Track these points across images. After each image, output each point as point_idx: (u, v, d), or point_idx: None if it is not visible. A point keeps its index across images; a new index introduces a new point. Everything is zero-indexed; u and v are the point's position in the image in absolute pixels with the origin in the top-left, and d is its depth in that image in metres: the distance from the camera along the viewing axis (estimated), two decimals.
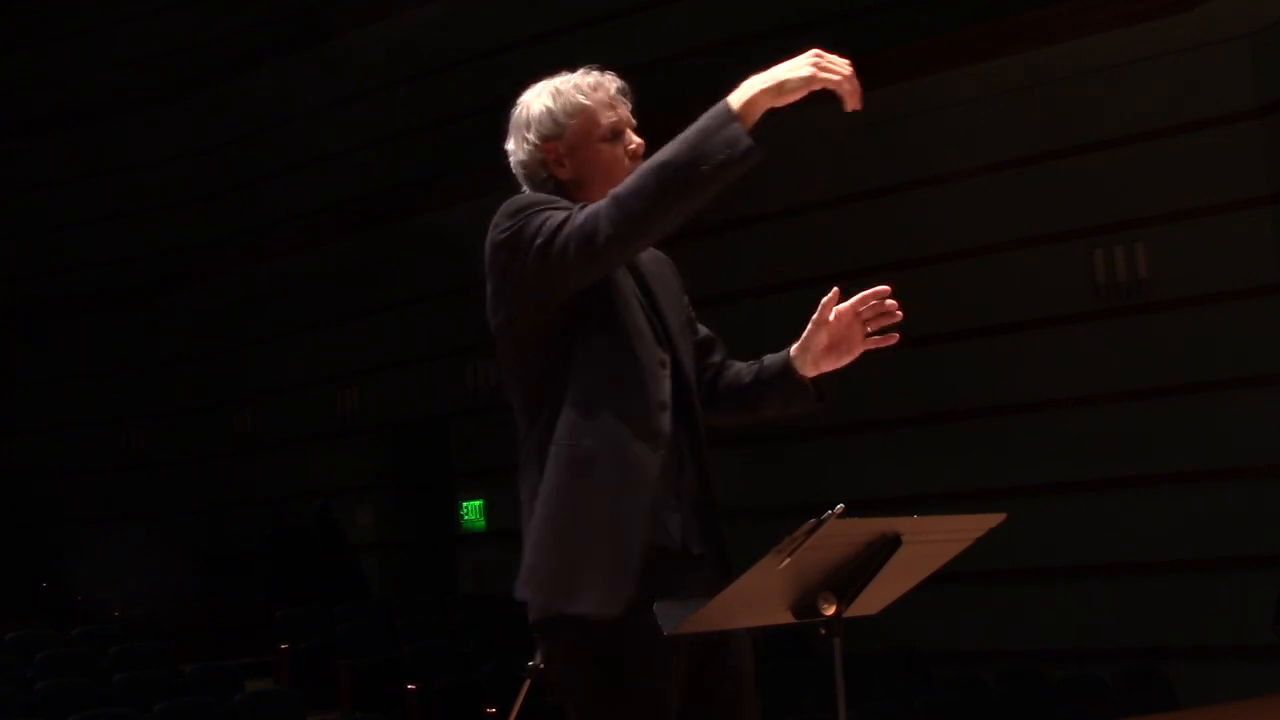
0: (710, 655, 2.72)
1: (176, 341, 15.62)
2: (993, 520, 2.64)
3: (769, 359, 2.94)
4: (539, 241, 2.62)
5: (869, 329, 2.82)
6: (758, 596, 2.52)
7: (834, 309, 2.81)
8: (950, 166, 9.76)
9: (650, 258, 2.92)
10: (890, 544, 2.53)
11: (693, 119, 2.67)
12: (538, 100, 2.83)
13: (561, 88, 2.82)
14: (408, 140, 13.20)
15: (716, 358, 3.00)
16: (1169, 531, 8.80)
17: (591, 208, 2.61)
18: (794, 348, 2.88)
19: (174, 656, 9.45)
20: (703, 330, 3.00)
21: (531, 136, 2.81)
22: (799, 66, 2.56)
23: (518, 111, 2.86)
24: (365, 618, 10.61)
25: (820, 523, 2.40)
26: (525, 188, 2.85)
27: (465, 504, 13.11)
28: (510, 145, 2.86)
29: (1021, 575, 9.23)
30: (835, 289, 2.79)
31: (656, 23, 11.45)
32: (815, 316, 2.82)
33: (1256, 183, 8.67)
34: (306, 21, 13.97)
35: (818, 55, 2.57)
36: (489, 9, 12.67)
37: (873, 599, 2.62)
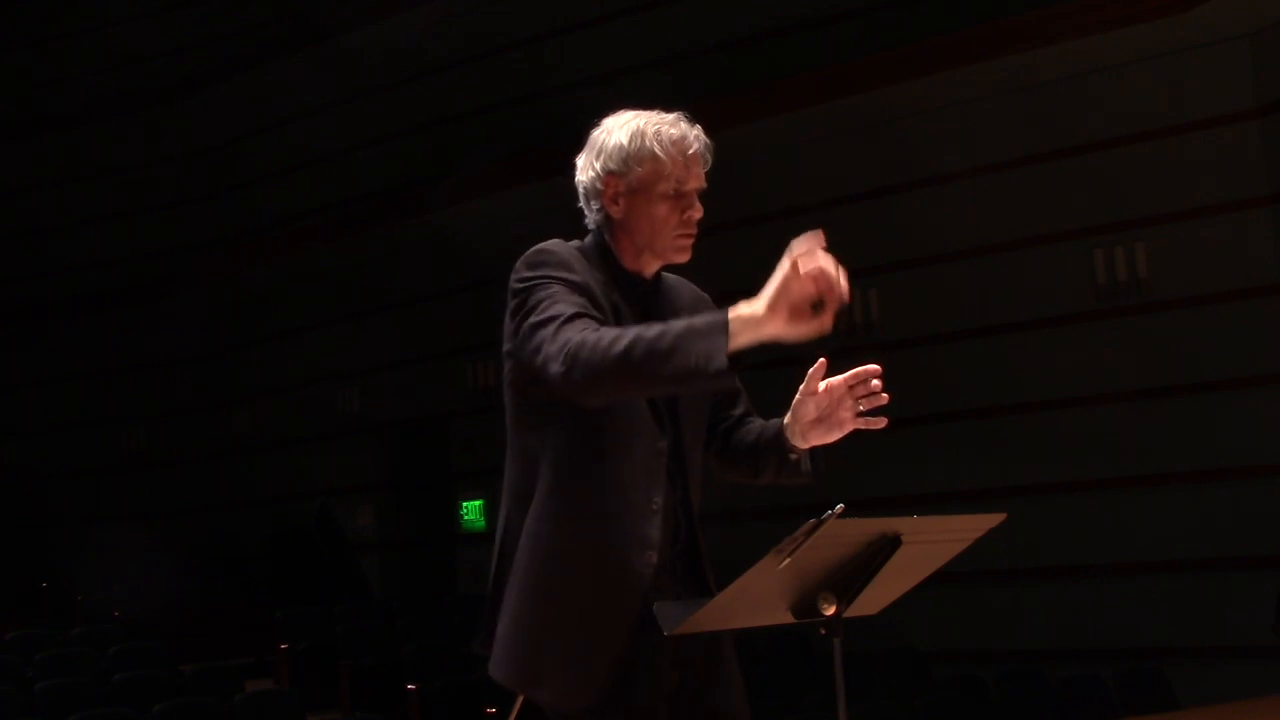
0: (698, 696, 2.74)
1: (176, 341, 15.61)
2: (993, 520, 2.64)
3: (770, 423, 2.89)
4: (530, 321, 2.62)
5: (861, 407, 2.74)
6: (758, 596, 2.52)
7: (823, 381, 2.74)
8: (950, 167, 9.76)
9: (690, 301, 2.90)
10: (890, 544, 2.53)
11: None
12: (618, 132, 2.80)
13: (645, 130, 2.78)
14: (408, 140, 13.20)
15: (736, 410, 2.96)
16: (1169, 531, 8.80)
17: (570, 336, 2.54)
18: (786, 416, 2.82)
19: (174, 656, 9.45)
20: None
21: (598, 165, 2.80)
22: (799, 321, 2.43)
23: (597, 132, 2.83)
24: (365, 618, 10.60)
25: (820, 523, 2.41)
26: (581, 204, 2.85)
27: (465, 504, 13.11)
28: (580, 161, 2.84)
29: (1021, 575, 9.23)
30: (822, 360, 2.72)
31: (657, 23, 11.45)
32: (803, 387, 2.75)
33: (1256, 183, 8.67)
34: (306, 21, 13.98)
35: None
36: (489, 9, 12.67)
37: (873, 599, 2.62)
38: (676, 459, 2.77)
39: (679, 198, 2.78)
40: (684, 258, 2.82)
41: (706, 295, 2.98)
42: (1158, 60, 8.94)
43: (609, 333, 2.53)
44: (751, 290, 2.50)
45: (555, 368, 2.53)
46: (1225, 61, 8.78)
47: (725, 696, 2.79)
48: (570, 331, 2.55)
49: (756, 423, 2.94)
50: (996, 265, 9.60)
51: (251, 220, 14.67)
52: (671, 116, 2.83)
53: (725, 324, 2.44)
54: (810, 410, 2.76)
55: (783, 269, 2.44)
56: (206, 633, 11.15)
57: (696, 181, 2.80)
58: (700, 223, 2.82)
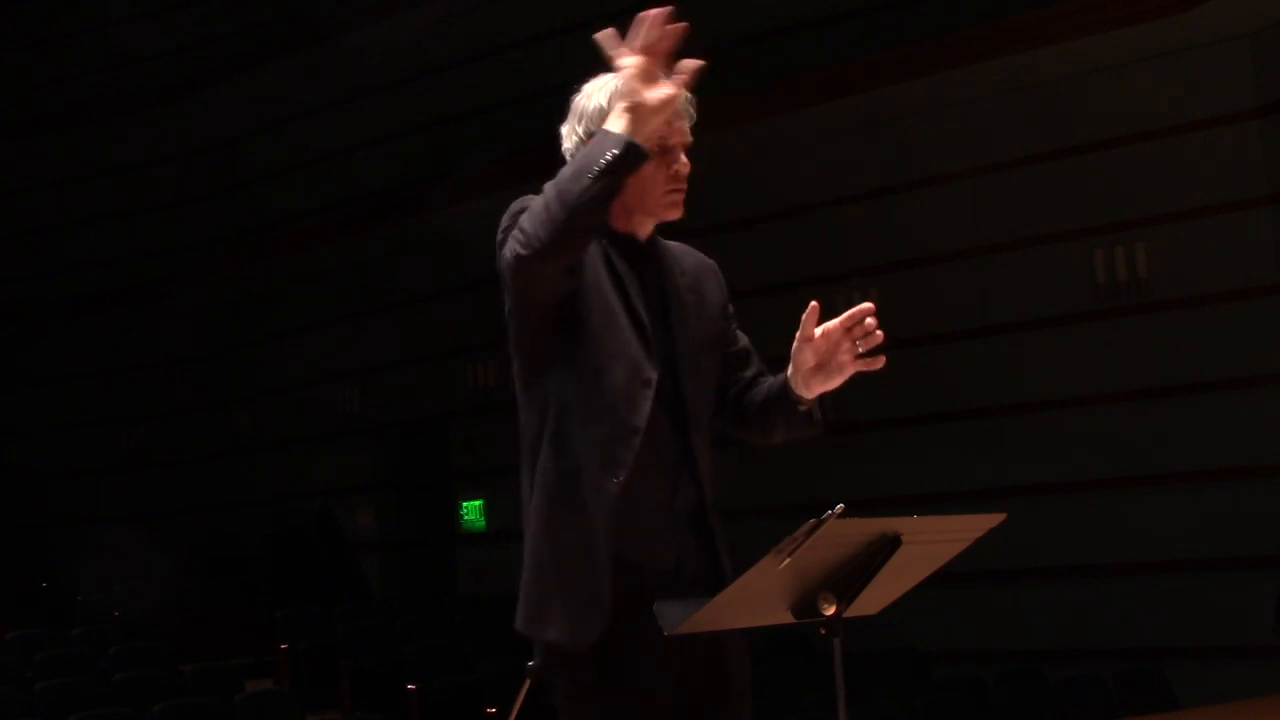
0: (704, 682, 2.71)
1: (176, 341, 15.61)
2: (993, 520, 2.64)
3: (775, 379, 2.86)
4: (504, 249, 2.62)
5: (860, 348, 2.70)
6: (758, 596, 2.52)
7: (818, 326, 2.71)
8: (950, 167, 9.76)
9: (694, 265, 2.88)
10: (890, 544, 2.53)
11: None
12: (597, 95, 2.76)
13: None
14: (408, 140, 13.20)
15: (747, 373, 2.92)
16: (1170, 532, 8.79)
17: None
18: (788, 368, 2.78)
19: (174, 656, 9.45)
20: (741, 342, 2.95)
21: (580, 129, 2.77)
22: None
23: (578, 98, 2.81)
24: (365, 618, 10.61)
25: (820, 523, 2.40)
26: None
27: (465, 504, 13.11)
28: (564, 129, 2.82)
29: (1021, 575, 9.22)
30: (814, 304, 2.70)
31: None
32: (799, 334, 2.72)
33: (1256, 183, 8.67)
34: (306, 21, 13.98)
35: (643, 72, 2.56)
36: (489, 9, 12.67)
37: (873, 599, 2.62)
38: (675, 402, 2.73)
39: (664, 153, 2.73)
40: (677, 214, 2.79)
41: (713, 262, 2.95)
42: (1158, 60, 8.94)
43: (531, 205, 2.59)
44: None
45: (512, 251, 2.56)
46: (1225, 61, 8.78)
47: (730, 693, 2.76)
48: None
49: (767, 381, 2.90)
50: (996, 265, 9.60)
51: (251, 220, 14.67)
52: None
53: (607, 129, 2.56)
54: (808, 357, 2.72)
55: (621, 82, 2.57)
56: (206, 633, 11.15)
57: (680, 136, 2.76)
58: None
